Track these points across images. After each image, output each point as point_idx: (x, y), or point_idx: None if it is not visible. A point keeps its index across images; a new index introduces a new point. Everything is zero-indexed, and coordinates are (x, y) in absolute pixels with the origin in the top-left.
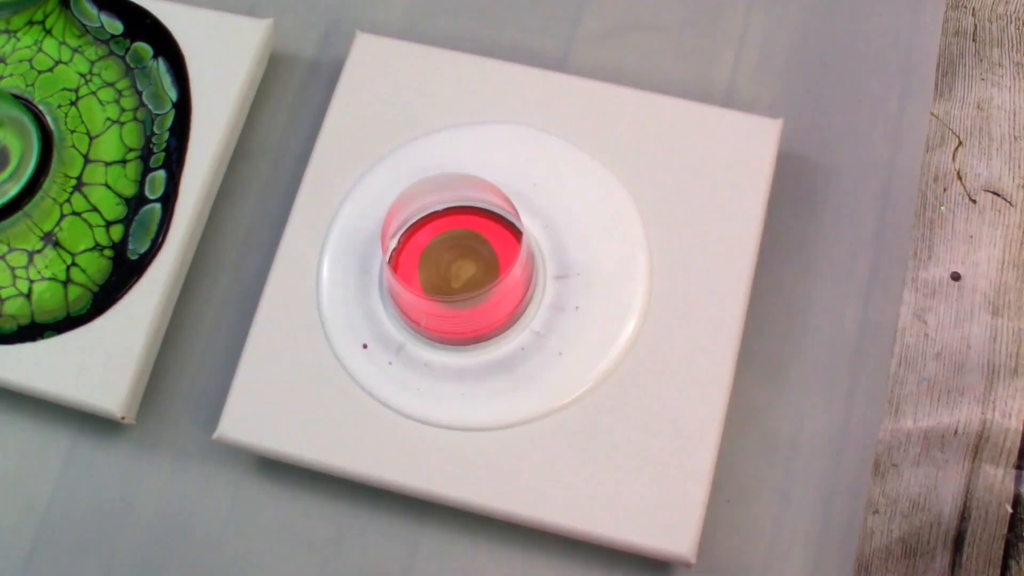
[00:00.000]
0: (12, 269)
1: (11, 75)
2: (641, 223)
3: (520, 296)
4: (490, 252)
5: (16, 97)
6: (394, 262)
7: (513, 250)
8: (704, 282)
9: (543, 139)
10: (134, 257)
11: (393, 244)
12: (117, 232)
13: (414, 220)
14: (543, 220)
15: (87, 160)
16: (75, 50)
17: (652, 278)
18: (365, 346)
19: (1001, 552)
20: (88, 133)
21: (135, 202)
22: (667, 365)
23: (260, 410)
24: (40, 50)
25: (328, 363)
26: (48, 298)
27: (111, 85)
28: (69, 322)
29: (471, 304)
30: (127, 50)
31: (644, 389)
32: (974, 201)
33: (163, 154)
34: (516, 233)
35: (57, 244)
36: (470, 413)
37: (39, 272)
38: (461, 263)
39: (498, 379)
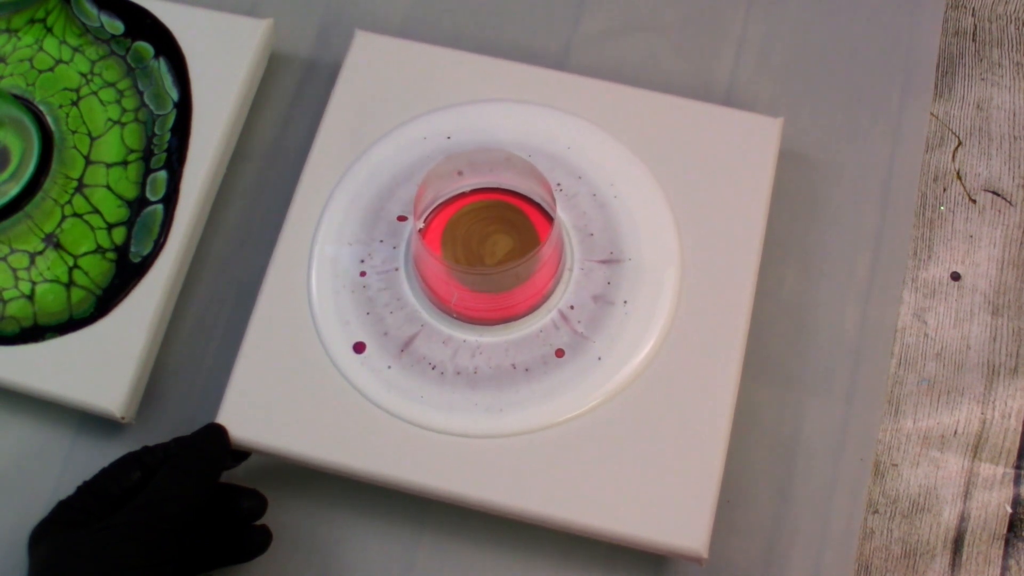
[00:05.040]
0: (14, 270)
1: (11, 75)
2: (673, 218)
3: (552, 273)
4: (526, 223)
5: (16, 97)
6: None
7: (546, 224)
8: (711, 283)
9: (560, 115)
10: (136, 260)
11: (420, 224)
12: (119, 235)
13: (441, 200)
14: (589, 187)
15: (88, 161)
16: (76, 49)
17: (682, 280)
18: (359, 346)
19: (1001, 552)
20: (89, 134)
21: (137, 204)
22: (681, 369)
23: (257, 408)
24: (41, 49)
25: (321, 361)
26: (51, 300)
27: (112, 85)
28: (71, 324)
29: (511, 284)
30: (128, 50)
31: (659, 393)
32: (974, 201)
33: (164, 155)
34: (548, 218)
35: (58, 245)
36: (477, 421)
37: (41, 274)
38: (497, 238)
39: (528, 387)
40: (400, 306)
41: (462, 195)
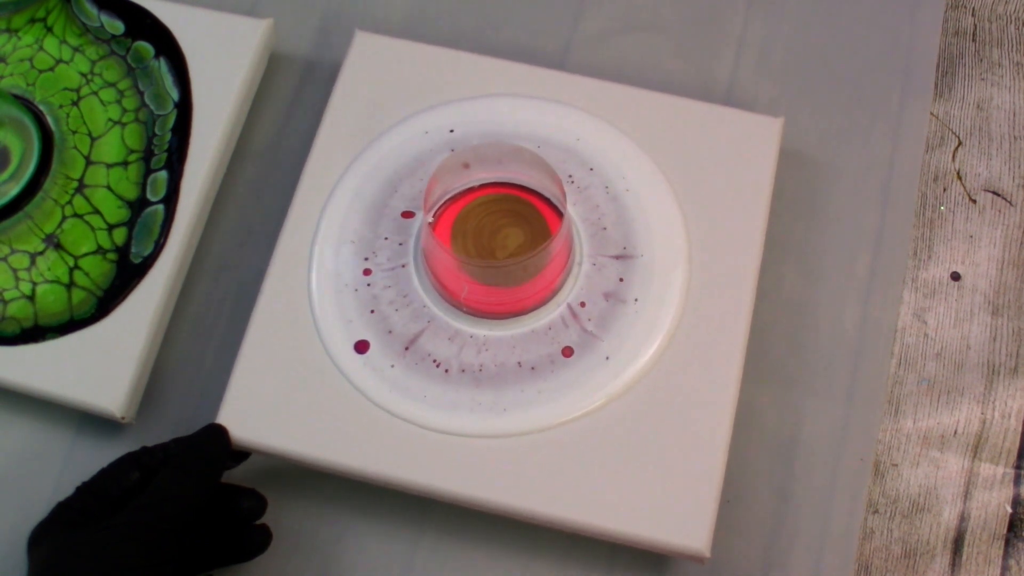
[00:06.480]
0: (14, 271)
1: (11, 74)
2: (682, 215)
3: (562, 267)
4: (537, 217)
5: (16, 97)
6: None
7: (556, 217)
8: (714, 282)
9: (567, 109)
10: (137, 260)
11: (429, 218)
12: (120, 235)
13: (451, 194)
14: (602, 179)
15: (88, 161)
16: (76, 49)
17: (689, 279)
18: (362, 345)
19: (1001, 552)
20: (90, 134)
21: (137, 205)
22: (685, 369)
23: (257, 408)
24: (41, 48)
25: (322, 361)
26: (52, 301)
27: (112, 85)
28: (72, 325)
29: (521, 278)
30: (128, 50)
31: (662, 394)
32: (974, 201)
33: (165, 155)
34: (558, 211)
35: (59, 246)
36: (480, 421)
37: (41, 274)
38: (508, 231)
39: (533, 386)
40: (407, 303)
41: (471, 189)
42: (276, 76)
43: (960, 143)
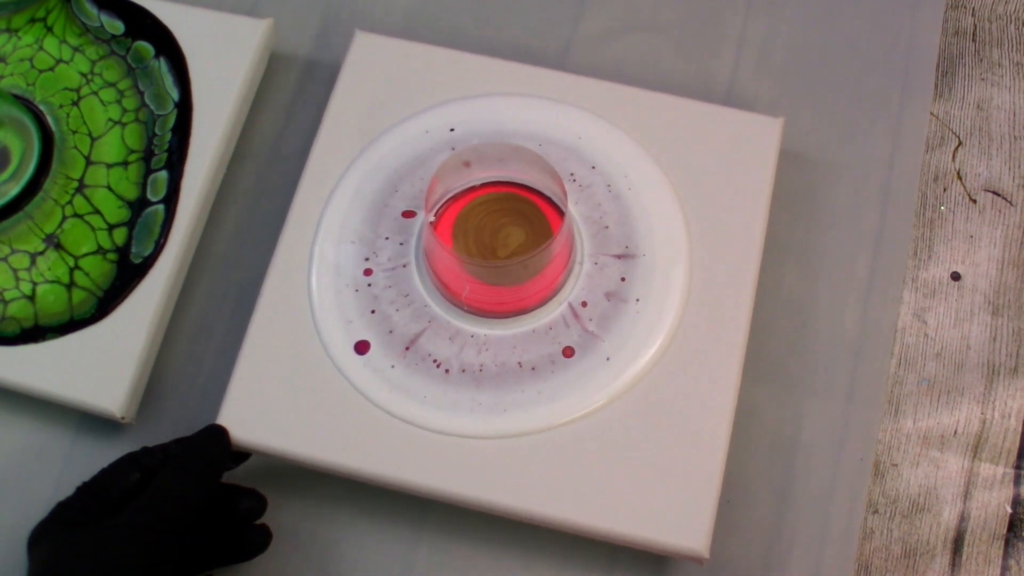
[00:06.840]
0: (15, 271)
1: (12, 74)
2: (683, 215)
3: (563, 266)
4: (538, 215)
5: (16, 97)
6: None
7: (558, 216)
8: (714, 282)
9: (568, 108)
10: (137, 260)
11: (430, 217)
12: (120, 236)
13: (452, 193)
14: (603, 177)
15: (89, 161)
16: (76, 49)
17: (692, 280)
18: (363, 346)
19: (1001, 552)
20: (90, 134)
21: (138, 205)
22: (685, 370)
23: (258, 409)
24: (41, 48)
25: (322, 362)
26: (52, 301)
27: (113, 85)
28: (72, 325)
29: (522, 277)
30: (128, 50)
31: (662, 394)
32: (974, 201)
33: (165, 155)
34: (559, 210)
35: (59, 246)
36: (480, 422)
37: (42, 274)
38: (509, 230)
39: (534, 387)
40: (408, 303)
41: (472, 188)
42: (276, 76)
43: (960, 143)
